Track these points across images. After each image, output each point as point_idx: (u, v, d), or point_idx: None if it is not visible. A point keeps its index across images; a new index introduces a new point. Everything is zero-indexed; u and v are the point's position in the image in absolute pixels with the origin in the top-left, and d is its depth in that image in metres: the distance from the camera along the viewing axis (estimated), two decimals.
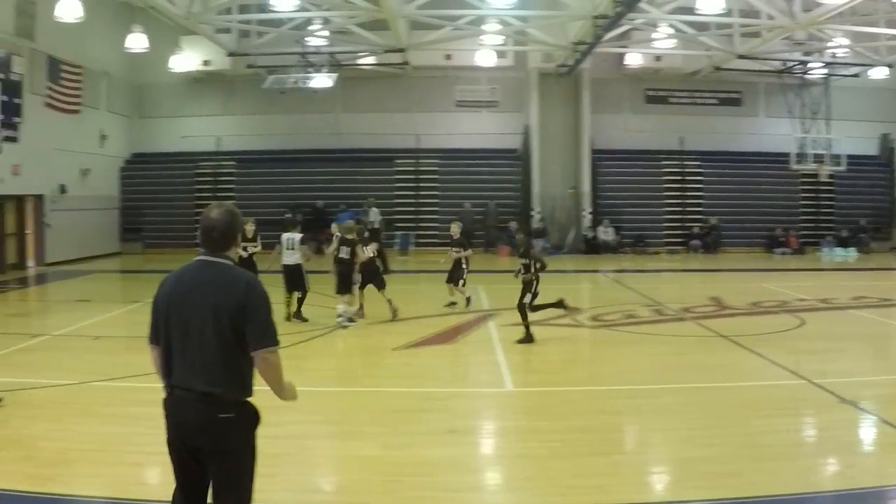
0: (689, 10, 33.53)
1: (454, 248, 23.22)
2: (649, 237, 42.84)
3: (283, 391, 6.13)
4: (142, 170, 43.69)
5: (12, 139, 31.44)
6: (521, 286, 17.87)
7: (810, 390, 13.29)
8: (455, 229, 23.61)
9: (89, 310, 23.11)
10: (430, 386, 14.14)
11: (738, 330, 19.09)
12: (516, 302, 17.90)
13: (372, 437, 11.00)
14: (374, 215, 38.92)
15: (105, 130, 41.43)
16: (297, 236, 20.92)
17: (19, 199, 34.48)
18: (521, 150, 43.59)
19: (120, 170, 43.62)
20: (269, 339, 5.84)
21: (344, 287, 20.16)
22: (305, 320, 20.36)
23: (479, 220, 41.86)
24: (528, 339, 17.65)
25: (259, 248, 21.04)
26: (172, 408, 5.92)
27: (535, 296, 17.79)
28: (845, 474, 9.59)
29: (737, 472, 9.31)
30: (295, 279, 20.62)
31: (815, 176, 42.49)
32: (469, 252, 23.31)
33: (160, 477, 9.41)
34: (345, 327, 19.68)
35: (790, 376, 14.35)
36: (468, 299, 23.14)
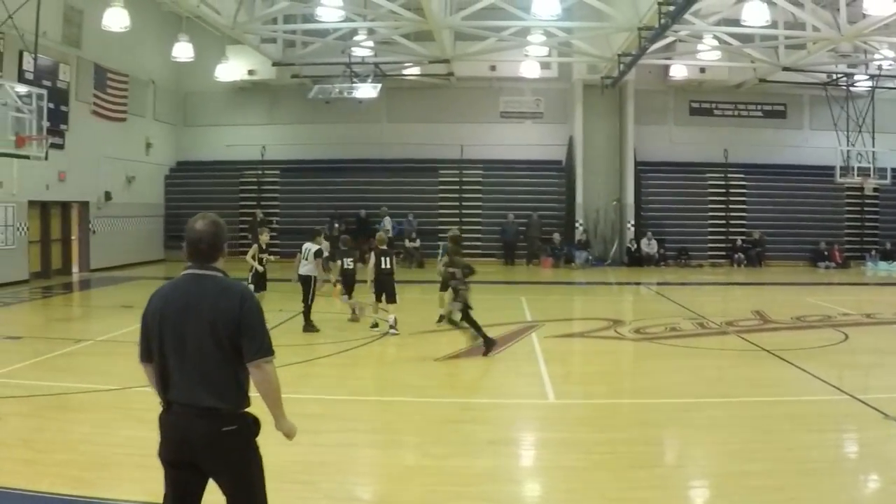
0: (734, 22, 33.34)
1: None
2: (692, 250, 42.65)
3: (278, 405, 6.06)
4: (186, 178, 44.05)
5: (59, 146, 31.68)
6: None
7: (854, 406, 13.17)
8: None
9: (132, 316, 23.16)
10: (472, 396, 14.18)
11: (781, 344, 18.94)
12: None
13: (413, 446, 11.02)
14: (388, 224, 38.77)
15: (151, 138, 41.85)
16: (314, 248, 20.81)
17: (65, 206, 34.79)
18: (565, 162, 43.54)
19: (165, 177, 44.00)
20: (265, 349, 5.81)
21: (390, 297, 20.24)
22: (316, 330, 20.34)
23: (522, 231, 41.84)
24: (488, 344, 17.40)
25: (271, 258, 21.25)
26: (172, 424, 5.87)
27: (466, 305, 17.49)
28: (888, 490, 9.53)
29: (779, 487, 9.26)
30: (304, 289, 20.60)
31: (860, 189, 42.21)
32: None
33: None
34: (394, 335, 19.73)
35: (833, 391, 14.24)
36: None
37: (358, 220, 40.63)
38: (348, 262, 21.79)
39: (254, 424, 5.92)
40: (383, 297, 20.42)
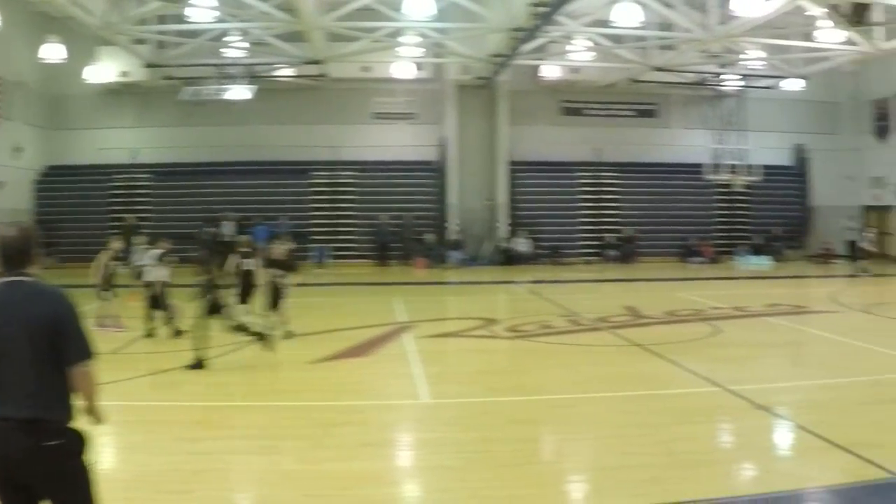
0: (606, 23, 33.70)
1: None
2: (565, 248, 43.11)
3: (96, 405, 5.84)
4: (57, 183, 42.94)
5: None
6: None
7: (726, 397, 13.42)
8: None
9: None
10: (347, 399, 14.07)
11: (653, 339, 19.25)
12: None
13: (290, 451, 10.91)
14: (228, 228, 38.11)
15: (20, 142, 40.79)
16: (158, 252, 20.41)
17: None
18: (438, 162, 43.67)
19: (35, 183, 42.92)
20: (85, 351, 5.63)
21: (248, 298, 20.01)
22: (180, 333, 19.47)
23: (396, 232, 41.86)
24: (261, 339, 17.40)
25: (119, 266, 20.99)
26: None
27: (219, 306, 16.98)
28: (761, 479, 9.73)
29: (655, 479, 9.38)
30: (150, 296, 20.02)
31: (730, 186, 43.06)
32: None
33: None
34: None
35: (706, 384, 14.47)
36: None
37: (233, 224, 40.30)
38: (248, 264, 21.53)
39: (80, 439, 5.69)
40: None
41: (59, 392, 5.56)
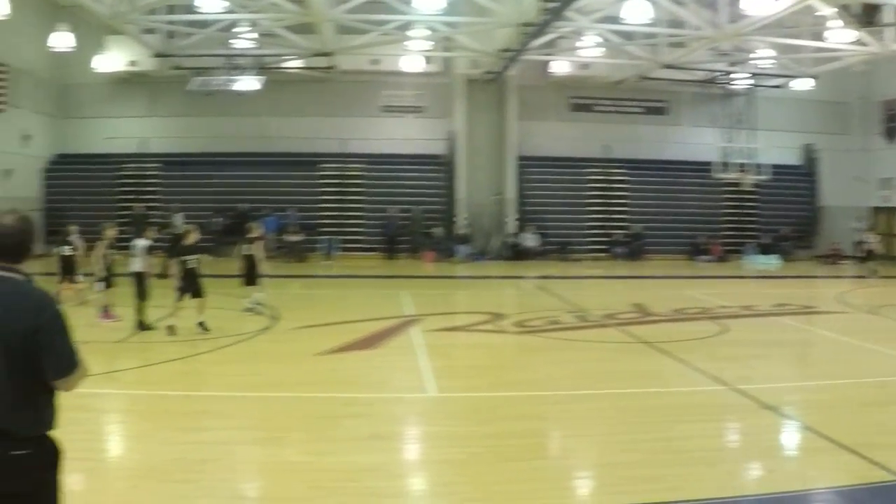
0: (616, 20, 33.58)
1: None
2: (573, 244, 43.01)
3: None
4: (66, 171, 43.04)
5: None
6: None
7: (732, 396, 13.40)
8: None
9: None
10: (354, 391, 14.07)
11: (660, 336, 19.23)
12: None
13: (295, 442, 10.90)
14: (179, 220, 37.61)
15: (28, 130, 40.87)
16: (145, 243, 20.03)
17: None
18: (447, 156, 43.62)
19: (44, 171, 43.02)
20: (67, 366, 5.12)
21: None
22: (152, 329, 19.33)
23: (404, 225, 41.85)
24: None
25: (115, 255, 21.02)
26: None
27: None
28: (766, 478, 9.71)
29: (658, 477, 9.36)
30: (136, 286, 19.68)
31: (739, 184, 42.98)
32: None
33: (81, 484, 9.34)
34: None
35: (712, 382, 14.45)
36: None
37: (238, 214, 40.29)
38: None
39: (54, 452, 5.29)
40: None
41: (33, 403, 5.12)
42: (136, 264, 19.78)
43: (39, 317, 5.07)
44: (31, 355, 5.02)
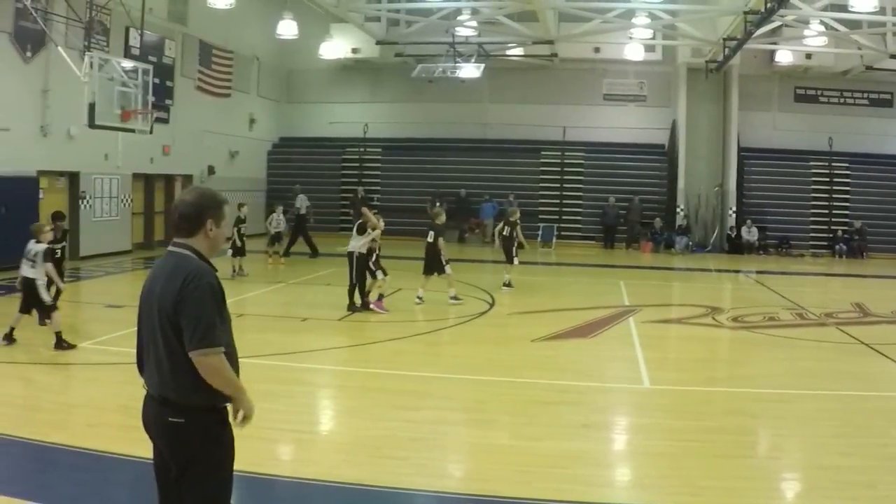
0: (842, 8, 32.54)
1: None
2: (794, 239, 41.94)
3: (231, 390, 5.44)
4: (289, 153, 44.65)
5: (163, 121, 32.17)
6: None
7: None
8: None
9: (233, 288, 23.27)
10: (567, 379, 14.07)
11: (880, 338, 18.49)
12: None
13: (506, 426, 10.98)
14: (302, 202, 37.40)
15: (254, 114, 42.44)
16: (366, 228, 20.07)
17: (168, 179, 35.37)
18: (668, 146, 43.15)
19: (267, 153, 44.54)
20: (202, 340, 5.22)
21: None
22: (362, 310, 19.62)
23: (623, 215, 41.61)
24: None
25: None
26: (144, 405, 5.55)
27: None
28: None
29: (871, 484, 9.05)
30: (350, 267, 19.96)
31: None
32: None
33: (293, 454, 9.59)
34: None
35: None
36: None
37: (458, 199, 40.74)
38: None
39: (209, 426, 5.43)
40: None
41: (186, 373, 5.28)
42: (353, 246, 20.06)
43: (185, 288, 5.26)
44: (178, 325, 5.26)
